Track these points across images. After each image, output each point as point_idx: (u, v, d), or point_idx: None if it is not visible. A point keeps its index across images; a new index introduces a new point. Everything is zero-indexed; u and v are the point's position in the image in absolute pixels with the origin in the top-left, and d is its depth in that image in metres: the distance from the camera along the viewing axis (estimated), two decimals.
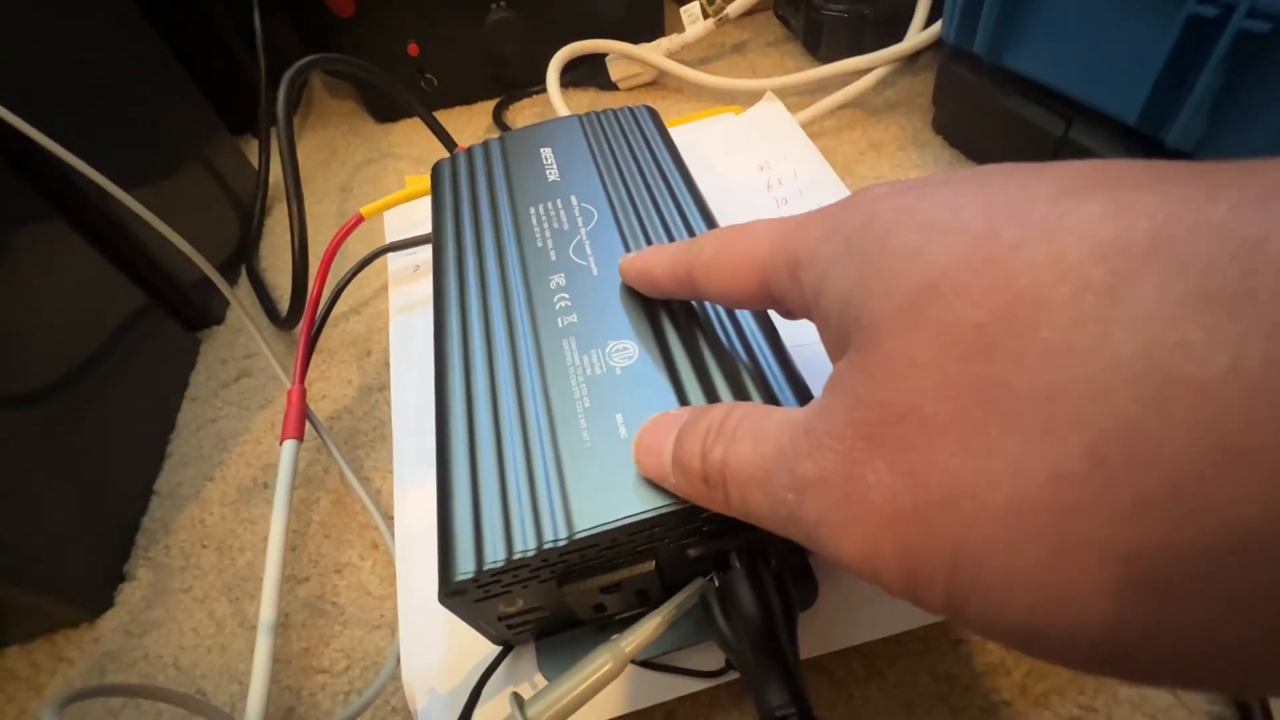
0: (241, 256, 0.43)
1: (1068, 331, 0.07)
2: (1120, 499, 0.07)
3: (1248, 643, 0.07)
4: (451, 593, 0.15)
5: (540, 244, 0.22)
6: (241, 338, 0.37)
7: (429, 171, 0.28)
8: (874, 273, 0.10)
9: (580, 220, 0.23)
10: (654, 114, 0.28)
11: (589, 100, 0.51)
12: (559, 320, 0.19)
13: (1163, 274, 0.07)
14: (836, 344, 0.12)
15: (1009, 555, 0.08)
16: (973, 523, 0.08)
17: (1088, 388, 0.07)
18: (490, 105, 0.52)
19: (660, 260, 0.17)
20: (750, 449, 0.12)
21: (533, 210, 0.24)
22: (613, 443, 0.16)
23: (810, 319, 0.13)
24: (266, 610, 0.22)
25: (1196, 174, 0.08)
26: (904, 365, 0.09)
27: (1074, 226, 0.08)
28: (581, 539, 0.15)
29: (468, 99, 0.53)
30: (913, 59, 0.44)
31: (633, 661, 0.16)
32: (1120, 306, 0.07)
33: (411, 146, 0.49)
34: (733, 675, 0.19)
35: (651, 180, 0.24)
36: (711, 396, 0.17)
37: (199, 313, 0.38)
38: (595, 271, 0.21)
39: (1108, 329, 0.07)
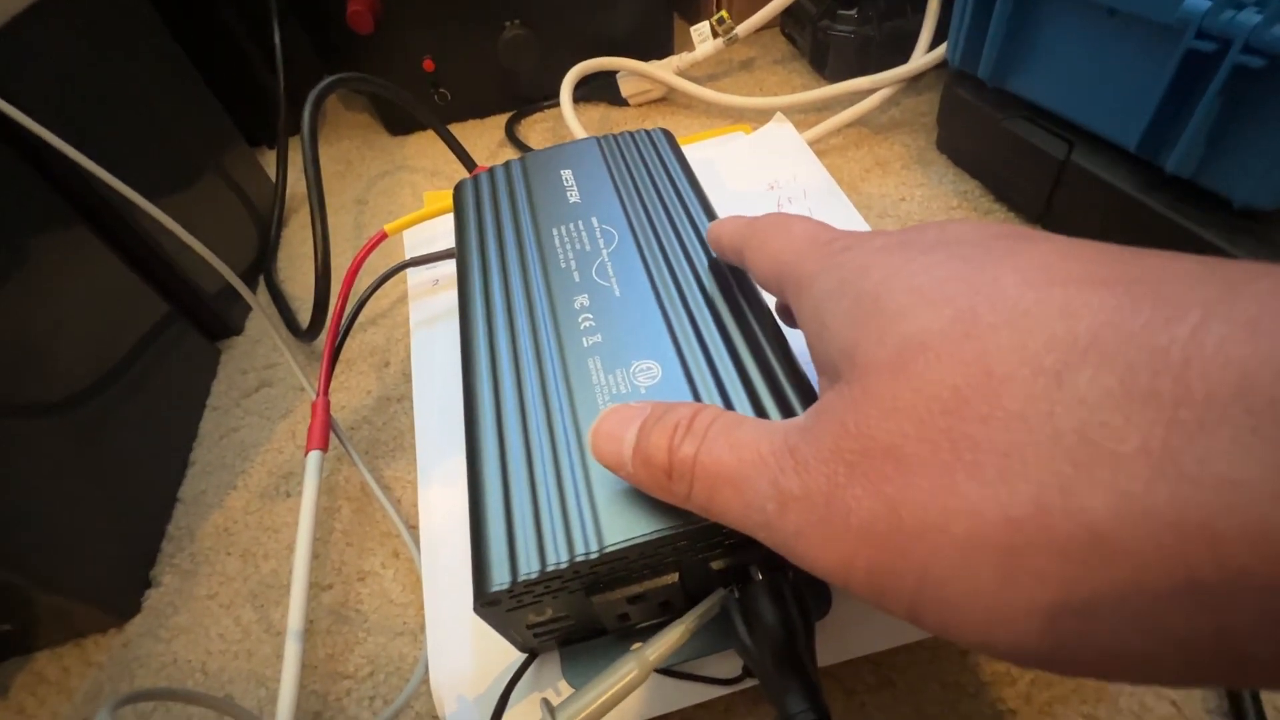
0: (259, 268, 0.44)
1: (1024, 404, 0.09)
2: (1055, 540, 0.09)
3: (1150, 653, 0.08)
4: (487, 602, 0.16)
5: (564, 265, 0.23)
6: (261, 348, 0.38)
7: (443, 185, 0.29)
8: (869, 322, 0.12)
9: (602, 242, 0.24)
10: (670, 137, 0.29)
11: (600, 115, 0.52)
12: (584, 340, 0.20)
13: (1096, 368, 0.09)
14: (824, 365, 0.13)
15: (967, 580, 0.10)
16: (938, 551, 0.10)
17: (1035, 451, 0.09)
18: (502, 119, 0.53)
19: (727, 230, 0.20)
20: (727, 452, 0.13)
21: (555, 231, 0.24)
22: None
23: (803, 332, 0.15)
24: (294, 617, 0.23)
25: (1134, 279, 0.09)
26: (889, 407, 0.11)
27: (1035, 318, 0.10)
28: (611, 552, 0.16)
29: (480, 113, 0.54)
30: (918, 78, 0.45)
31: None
32: (1063, 389, 0.09)
33: (426, 159, 0.50)
34: (750, 683, 0.20)
35: (669, 202, 0.25)
36: None
37: (219, 323, 0.39)
38: (618, 292, 0.21)
39: (1053, 407, 0.09)
